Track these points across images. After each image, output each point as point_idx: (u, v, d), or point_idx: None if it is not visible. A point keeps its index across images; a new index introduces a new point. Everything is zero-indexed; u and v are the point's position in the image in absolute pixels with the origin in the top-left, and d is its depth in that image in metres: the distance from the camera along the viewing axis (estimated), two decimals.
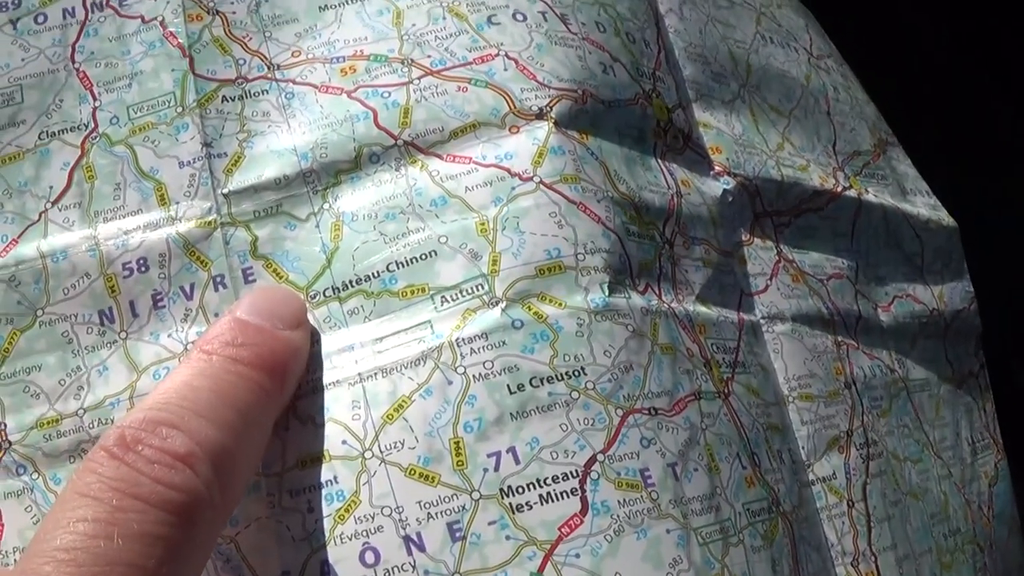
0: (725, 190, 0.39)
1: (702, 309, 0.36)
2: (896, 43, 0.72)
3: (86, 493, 0.26)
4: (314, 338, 0.32)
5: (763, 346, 0.38)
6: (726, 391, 0.34)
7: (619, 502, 0.30)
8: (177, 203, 0.34)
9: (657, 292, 0.34)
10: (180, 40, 0.35)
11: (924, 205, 0.47)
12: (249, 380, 0.29)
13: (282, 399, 0.31)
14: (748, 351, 0.36)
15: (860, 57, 0.53)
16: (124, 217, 0.34)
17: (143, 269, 0.33)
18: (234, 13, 0.36)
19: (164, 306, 0.33)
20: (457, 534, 0.29)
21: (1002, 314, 0.64)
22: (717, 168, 0.40)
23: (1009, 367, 0.65)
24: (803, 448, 0.37)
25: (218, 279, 0.33)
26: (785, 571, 0.33)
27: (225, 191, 0.34)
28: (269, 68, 0.35)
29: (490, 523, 0.29)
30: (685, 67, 0.41)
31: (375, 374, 0.31)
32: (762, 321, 0.38)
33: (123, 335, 0.33)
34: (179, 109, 0.35)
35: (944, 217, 0.48)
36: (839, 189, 0.43)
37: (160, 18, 0.36)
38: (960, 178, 0.53)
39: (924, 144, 0.52)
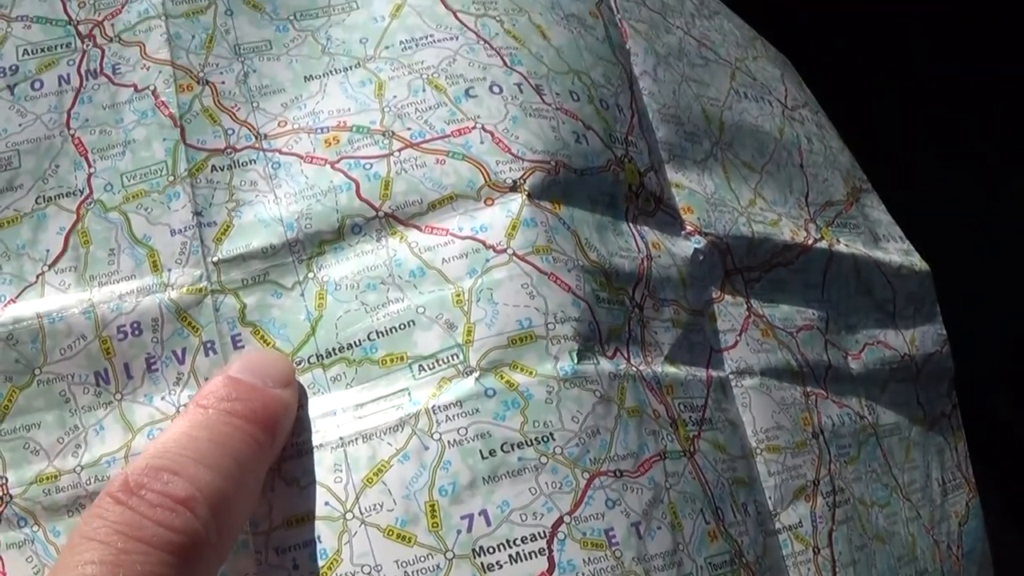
0: (696, 249, 0.41)
1: (670, 369, 0.37)
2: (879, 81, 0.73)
3: (92, 537, 0.28)
4: (300, 403, 0.34)
5: (731, 401, 0.39)
6: (692, 449, 0.36)
7: (584, 560, 0.32)
8: (169, 270, 0.35)
9: (626, 356, 0.36)
10: (171, 110, 0.37)
11: (896, 251, 0.49)
12: (243, 431, 0.31)
13: (273, 452, 0.33)
14: (716, 407, 0.38)
15: (837, 104, 0.54)
16: (118, 282, 0.35)
17: (137, 333, 0.35)
18: (223, 83, 0.38)
19: (157, 369, 0.35)
20: None
21: (983, 352, 0.65)
22: (688, 228, 0.41)
23: (992, 405, 0.66)
24: (770, 498, 0.39)
25: (208, 345, 0.35)
26: None
27: (215, 259, 0.35)
28: (256, 138, 0.37)
29: None
30: (658, 129, 0.43)
31: (356, 439, 0.33)
32: (731, 376, 0.40)
33: (118, 396, 0.35)
34: (171, 178, 0.36)
35: (916, 262, 0.49)
36: (810, 242, 0.45)
37: (152, 87, 0.37)
38: (939, 220, 0.54)
39: (900, 186, 0.53)
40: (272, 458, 0.33)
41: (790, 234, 0.44)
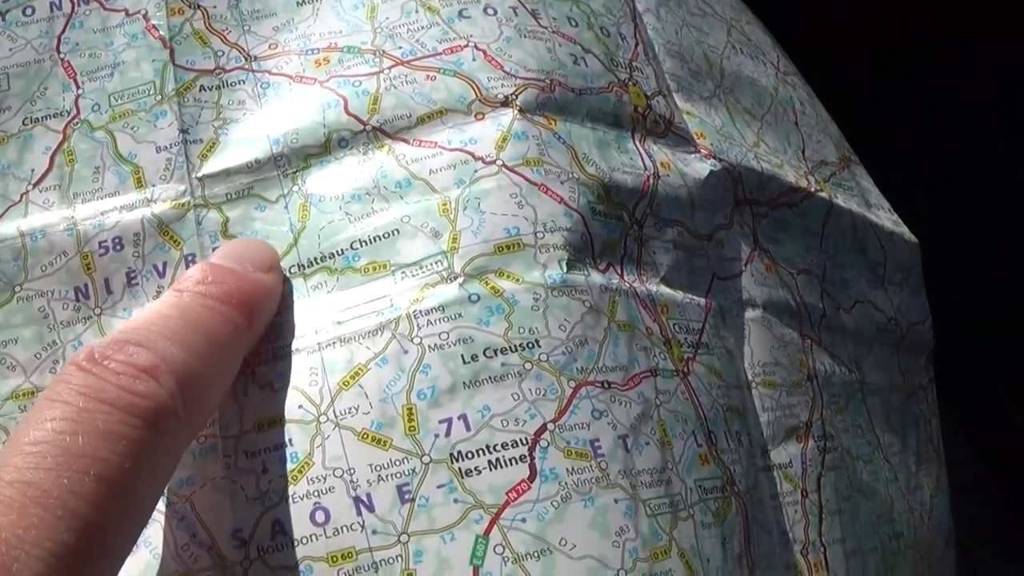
0: (712, 171, 0.40)
1: (666, 290, 0.36)
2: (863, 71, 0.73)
3: (55, 398, 0.27)
4: (277, 309, 0.33)
5: (730, 329, 0.38)
6: (685, 370, 0.35)
7: (567, 470, 0.31)
8: (153, 186, 0.35)
9: (619, 271, 0.35)
10: (161, 33, 0.37)
11: (887, 219, 0.48)
12: (217, 312, 0.31)
13: (251, 334, 0.32)
14: (714, 333, 0.37)
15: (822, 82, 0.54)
16: (102, 199, 0.35)
17: (118, 248, 0.34)
18: (215, 7, 0.37)
19: (137, 283, 0.34)
20: (406, 496, 0.30)
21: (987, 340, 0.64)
22: (703, 151, 0.40)
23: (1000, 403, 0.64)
24: (763, 433, 0.37)
25: (189, 258, 0.34)
26: (735, 550, 0.33)
27: (199, 175, 0.35)
28: (246, 59, 0.37)
29: (439, 486, 0.30)
30: (664, 61, 0.42)
31: (333, 343, 0.32)
32: (732, 305, 0.39)
33: (97, 311, 0.34)
34: (158, 97, 0.36)
35: (906, 233, 0.48)
36: (812, 189, 0.44)
37: (143, 11, 0.37)
38: (924, 204, 0.54)
39: (887, 170, 0.53)
40: (251, 341, 0.32)
41: (794, 178, 0.43)
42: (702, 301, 0.37)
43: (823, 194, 0.44)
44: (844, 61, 0.70)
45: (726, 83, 0.45)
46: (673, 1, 0.45)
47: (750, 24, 0.50)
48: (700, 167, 0.40)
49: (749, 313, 0.39)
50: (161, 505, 0.31)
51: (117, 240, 0.34)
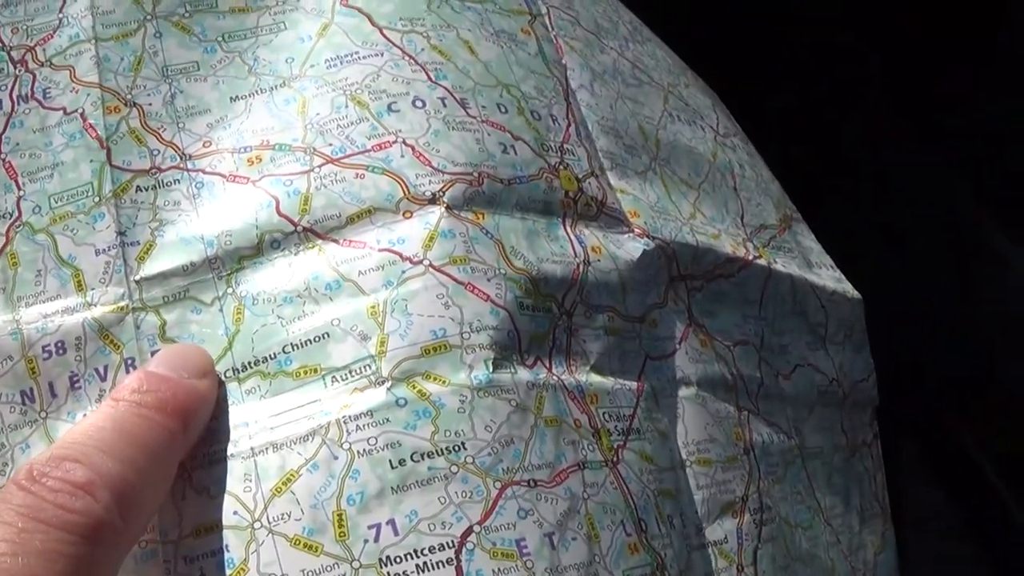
0: (645, 251, 0.40)
1: (596, 378, 0.37)
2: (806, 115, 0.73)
3: None
4: (213, 414, 0.34)
5: (663, 410, 0.39)
6: (615, 459, 0.35)
7: (493, 571, 0.31)
8: (93, 289, 0.35)
9: (547, 365, 0.36)
10: (99, 132, 0.37)
11: (829, 278, 0.48)
12: (151, 421, 0.32)
13: (187, 440, 0.33)
14: (646, 417, 0.38)
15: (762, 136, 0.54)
16: (44, 302, 0.36)
17: (61, 352, 0.35)
18: (150, 105, 0.38)
19: (80, 387, 0.35)
20: None
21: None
22: (636, 230, 0.41)
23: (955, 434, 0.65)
24: (698, 512, 0.38)
25: (129, 361, 0.35)
26: None
27: (137, 278, 0.35)
28: (181, 158, 0.37)
29: None
30: (598, 139, 0.43)
31: (267, 449, 0.33)
32: (666, 385, 0.39)
33: (43, 414, 0.35)
34: (96, 199, 0.36)
35: (849, 290, 0.49)
36: (750, 257, 0.44)
37: (80, 110, 0.38)
38: (865, 255, 0.54)
39: (830, 220, 0.53)
40: (186, 447, 0.33)
41: (731, 248, 0.44)
42: (634, 385, 0.38)
43: (761, 261, 0.45)
44: (785, 107, 0.71)
45: (662, 154, 0.45)
46: (608, 74, 0.46)
47: (689, 87, 0.50)
48: (633, 247, 0.40)
49: (683, 392, 0.40)
50: None
51: (60, 344, 0.35)
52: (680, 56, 0.53)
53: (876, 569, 0.46)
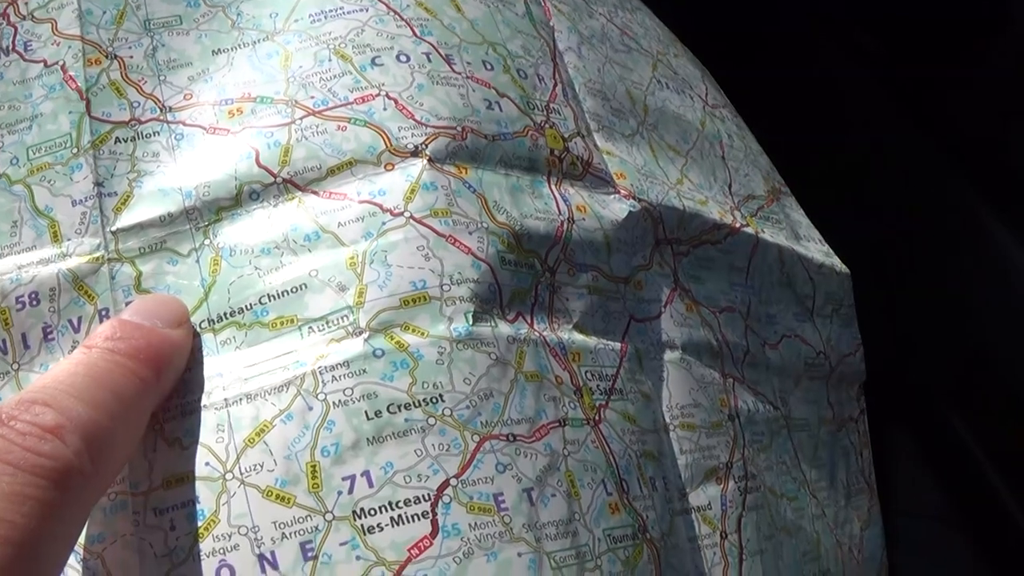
0: (631, 212, 0.40)
1: (579, 337, 0.36)
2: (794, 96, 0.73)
3: None
4: (187, 364, 0.33)
5: (648, 373, 0.38)
6: (597, 418, 0.35)
7: (470, 525, 0.31)
8: (68, 240, 0.35)
9: (529, 320, 0.35)
10: (79, 84, 0.37)
11: (817, 251, 0.48)
12: (124, 367, 0.31)
13: (159, 389, 0.32)
14: (629, 378, 0.37)
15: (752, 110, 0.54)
16: (20, 253, 0.35)
17: (34, 303, 0.35)
18: (131, 57, 0.38)
19: (53, 338, 0.34)
20: (309, 553, 0.30)
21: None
22: (622, 192, 0.40)
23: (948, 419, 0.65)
24: (681, 476, 0.37)
25: (103, 312, 0.34)
26: None
27: (113, 228, 0.35)
28: (161, 111, 0.37)
29: (341, 543, 0.30)
30: (585, 100, 0.42)
31: (240, 399, 0.32)
32: (650, 348, 0.39)
33: (15, 366, 0.34)
34: (74, 150, 0.36)
35: (837, 263, 0.48)
36: (737, 225, 0.44)
37: (61, 62, 0.37)
38: (854, 230, 0.54)
39: (818, 196, 0.53)
40: (159, 396, 0.32)
41: (718, 214, 0.43)
42: (617, 346, 0.37)
43: (749, 229, 0.44)
44: (778, 86, 0.70)
45: (650, 120, 0.45)
46: (596, 38, 0.45)
47: (678, 57, 0.50)
48: (619, 208, 0.40)
49: (668, 355, 0.39)
50: (74, 560, 0.32)
51: (34, 295, 0.35)
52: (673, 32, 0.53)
53: (863, 544, 0.45)
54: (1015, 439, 0.62)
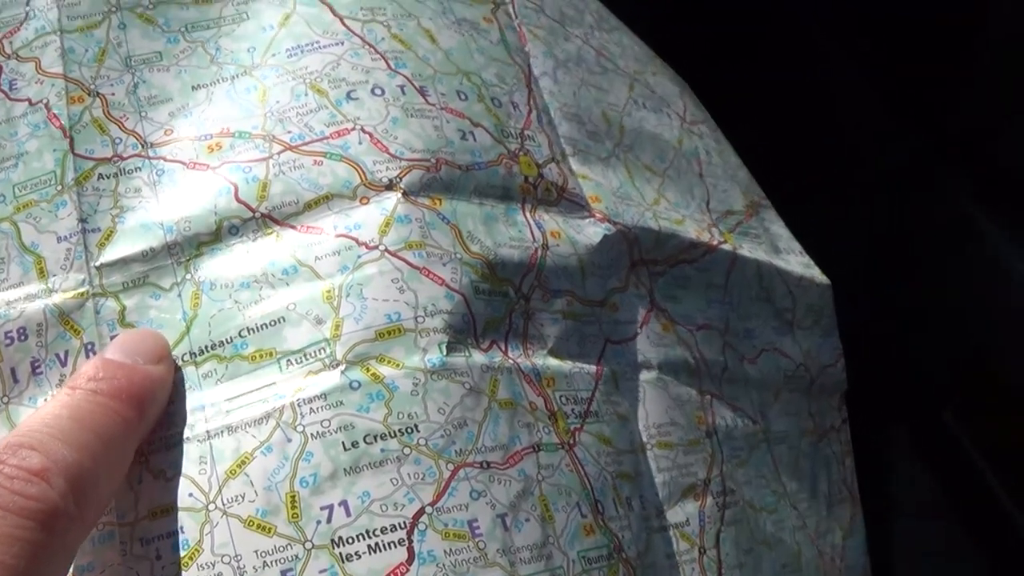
0: (606, 236, 0.40)
1: (553, 362, 0.37)
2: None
3: None
4: (170, 398, 0.34)
5: (624, 394, 0.39)
6: (571, 441, 0.36)
7: (445, 551, 0.32)
8: (54, 276, 0.36)
9: (503, 348, 0.36)
10: (62, 122, 0.38)
11: (797, 264, 0.49)
12: (107, 408, 0.32)
13: (143, 426, 0.33)
14: (604, 400, 0.38)
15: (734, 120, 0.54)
16: (7, 289, 0.36)
17: (22, 338, 0.35)
18: (113, 94, 0.38)
19: (42, 372, 0.35)
20: None
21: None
22: (597, 215, 0.41)
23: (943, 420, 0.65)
24: (659, 494, 0.38)
25: (89, 346, 0.35)
26: None
27: (97, 264, 0.36)
28: (143, 146, 0.38)
29: (321, 571, 0.31)
30: (560, 125, 0.43)
31: (222, 432, 0.33)
32: (627, 369, 0.40)
33: (5, 400, 0.35)
34: (58, 187, 0.37)
35: (817, 275, 0.49)
36: (715, 243, 0.44)
37: (45, 100, 0.38)
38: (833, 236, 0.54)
39: (813, 199, 0.53)
40: (142, 433, 0.33)
41: (695, 233, 0.44)
42: (593, 368, 0.38)
43: (726, 246, 0.45)
44: (770, 89, 0.71)
45: (626, 141, 0.45)
46: (572, 61, 0.46)
47: (656, 75, 0.51)
48: (593, 232, 0.41)
49: (644, 375, 0.40)
50: None
51: (22, 330, 0.36)
52: (654, 47, 0.53)
53: (845, 553, 0.46)
54: (1012, 439, 0.63)
